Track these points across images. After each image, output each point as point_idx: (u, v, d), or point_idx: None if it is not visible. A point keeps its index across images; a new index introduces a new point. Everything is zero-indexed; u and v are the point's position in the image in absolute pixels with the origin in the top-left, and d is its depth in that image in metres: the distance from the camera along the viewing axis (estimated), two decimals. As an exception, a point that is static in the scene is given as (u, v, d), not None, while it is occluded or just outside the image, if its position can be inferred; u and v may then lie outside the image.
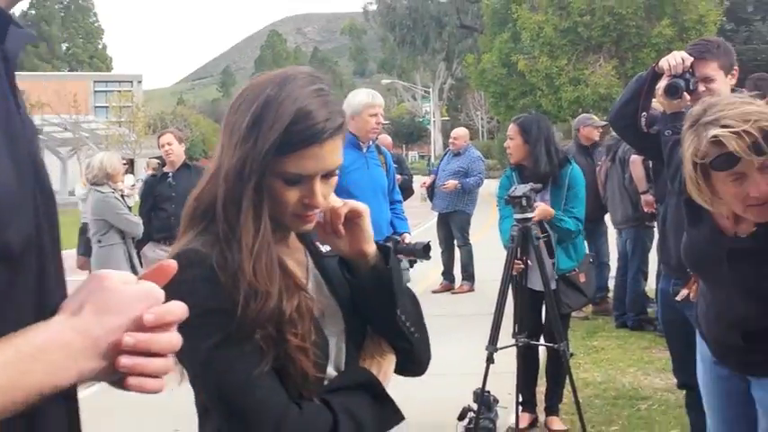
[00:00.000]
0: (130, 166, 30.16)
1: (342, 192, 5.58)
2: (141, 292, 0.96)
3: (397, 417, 1.61)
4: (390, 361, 1.64)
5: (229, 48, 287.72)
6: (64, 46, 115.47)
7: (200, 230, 1.51)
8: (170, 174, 7.06)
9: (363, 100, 5.05)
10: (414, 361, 1.69)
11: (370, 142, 5.17)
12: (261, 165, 1.43)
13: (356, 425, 1.50)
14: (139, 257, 7.03)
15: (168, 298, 1.32)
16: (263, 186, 1.45)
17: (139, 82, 75.90)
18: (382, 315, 1.59)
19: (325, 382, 1.54)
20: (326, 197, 1.52)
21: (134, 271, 6.46)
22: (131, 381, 0.94)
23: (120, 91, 59.56)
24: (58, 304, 0.96)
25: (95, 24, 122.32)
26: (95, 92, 70.53)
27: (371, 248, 1.57)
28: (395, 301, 1.57)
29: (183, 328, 1.40)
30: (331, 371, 1.57)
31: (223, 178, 1.48)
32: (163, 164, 7.47)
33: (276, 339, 1.44)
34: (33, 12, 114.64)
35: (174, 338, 0.97)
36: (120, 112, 51.49)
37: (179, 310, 0.98)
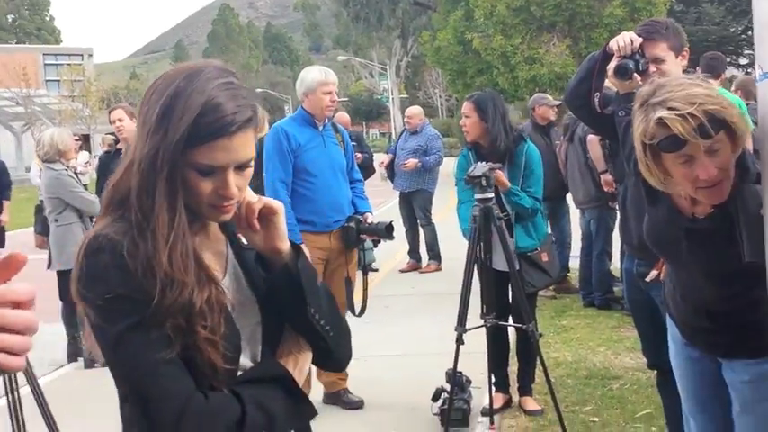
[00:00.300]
0: (86, 141, 29.67)
1: (300, 171, 5.56)
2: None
3: (310, 411, 1.66)
4: (306, 357, 1.68)
5: (182, 20, 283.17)
6: (9, 17, 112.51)
7: (115, 217, 1.53)
8: (123, 150, 6.94)
9: (317, 77, 5.02)
10: (331, 358, 1.74)
11: (326, 120, 5.15)
12: (171, 156, 1.46)
13: (266, 416, 1.54)
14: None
15: (79, 281, 1.44)
16: (176, 177, 1.48)
17: (90, 55, 74.21)
18: (294, 312, 1.63)
19: (239, 374, 1.58)
20: (241, 188, 1.55)
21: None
22: None
23: (70, 64, 58.22)
24: None
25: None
26: (45, 65, 68.89)
27: (285, 246, 1.61)
28: (305, 300, 1.60)
29: (95, 311, 1.45)
30: (246, 362, 1.61)
31: (136, 168, 1.50)
32: (117, 140, 7.33)
33: (185, 330, 1.47)
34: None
35: (30, 318, 1.01)
36: (72, 87, 50.39)
37: (24, 290, 1.02)
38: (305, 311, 1.61)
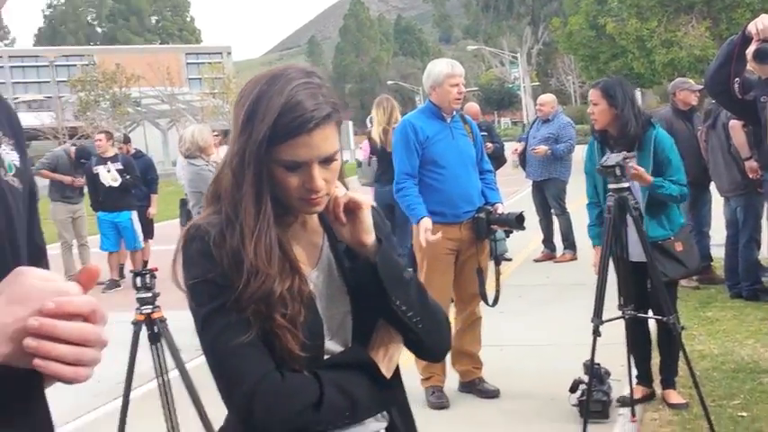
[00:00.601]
0: (225, 137, 30.73)
1: (428, 163, 5.60)
2: (52, 288, 1.03)
3: (393, 399, 1.74)
4: (397, 346, 1.74)
5: (315, 16, 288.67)
6: (153, 19, 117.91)
7: (213, 210, 1.67)
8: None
9: (443, 70, 5.03)
10: (423, 348, 1.79)
11: (454, 112, 5.14)
12: (256, 155, 1.57)
13: (348, 400, 1.61)
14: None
15: (176, 266, 1.53)
16: (262, 174, 1.58)
17: (229, 53, 77.02)
18: (380, 303, 1.68)
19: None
20: (329, 181, 1.62)
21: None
22: (37, 361, 1.00)
23: (210, 63, 60.56)
24: None
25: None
26: (187, 64, 71.93)
27: (369, 240, 1.66)
28: (387, 293, 1.65)
29: (187, 293, 1.59)
30: (337, 348, 1.69)
31: (228, 166, 1.64)
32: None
33: (264, 316, 1.56)
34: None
35: (85, 329, 1.02)
36: (212, 84, 52.37)
37: (81, 302, 1.03)
38: (388, 303, 1.67)
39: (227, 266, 1.57)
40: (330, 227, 1.75)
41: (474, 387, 5.29)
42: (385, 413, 1.75)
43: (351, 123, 41.09)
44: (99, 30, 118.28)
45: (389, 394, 1.71)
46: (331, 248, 1.75)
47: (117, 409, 4.27)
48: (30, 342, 0.98)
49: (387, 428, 1.77)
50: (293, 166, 1.58)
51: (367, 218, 1.67)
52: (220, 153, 14.54)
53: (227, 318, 1.56)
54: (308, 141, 1.56)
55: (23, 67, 70.30)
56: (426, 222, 4.92)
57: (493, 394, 5.22)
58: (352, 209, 1.66)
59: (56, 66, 58.81)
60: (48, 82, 64.33)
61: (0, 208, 1.12)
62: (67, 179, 10.31)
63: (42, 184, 10.37)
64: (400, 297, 1.67)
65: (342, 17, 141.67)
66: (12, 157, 1.21)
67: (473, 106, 10.33)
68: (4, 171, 1.17)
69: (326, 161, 1.60)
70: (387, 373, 1.69)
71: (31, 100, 58.07)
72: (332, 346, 1.69)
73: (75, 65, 63.84)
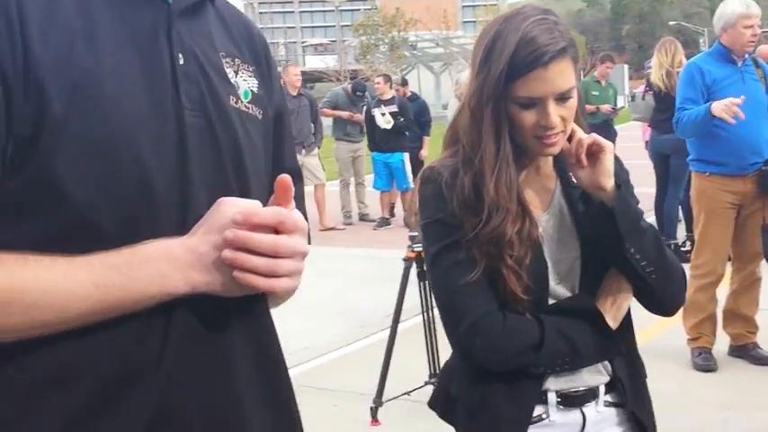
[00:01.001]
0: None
1: None
2: (242, 212, 1.03)
3: (617, 349, 1.71)
4: (626, 296, 1.70)
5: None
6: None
7: (449, 154, 1.73)
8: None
9: (737, 10, 4.67)
10: (654, 301, 1.74)
11: (746, 55, 4.77)
12: (494, 91, 1.59)
13: (568, 346, 1.63)
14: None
15: (413, 206, 1.64)
16: (500, 111, 1.60)
17: (505, -5, 76.40)
18: (613, 250, 1.65)
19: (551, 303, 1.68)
20: (565, 119, 1.61)
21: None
22: (236, 273, 1.01)
23: (486, 5, 60.55)
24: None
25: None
26: (463, 6, 72.49)
27: (609, 184, 1.63)
28: (622, 239, 1.62)
29: (421, 232, 1.67)
30: (564, 292, 1.69)
31: (466, 107, 1.67)
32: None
33: (493, 256, 1.60)
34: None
35: (277, 240, 1.03)
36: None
37: (267, 214, 1.04)
38: (623, 250, 1.64)
39: (457, 207, 1.63)
40: (564, 172, 1.74)
41: (746, 352, 4.96)
42: (609, 369, 1.73)
43: (626, 66, 39.25)
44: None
45: (613, 345, 1.69)
46: (563, 194, 1.74)
47: (382, 341, 4.52)
48: (227, 254, 1.01)
49: (607, 384, 1.74)
50: (528, 103, 1.59)
51: (609, 161, 1.65)
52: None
53: (455, 256, 1.62)
54: (543, 75, 1.56)
55: (312, 12, 74.51)
56: (717, 103, 4.48)
57: (766, 361, 4.87)
58: (595, 152, 1.64)
59: (341, 10, 61.75)
60: (333, 26, 67.86)
61: (229, 139, 1.12)
62: (346, 114, 10.92)
63: (327, 123, 11.06)
64: (635, 245, 1.64)
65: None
66: (250, 84, 1.20)
67: (765, 49, 9.47)
68: (238, 99, 1.16)
69: (562, 98, 1.59)
70: (613, 323, 1.67)
71: (317, 44, 61.54)
72: (559, 290, 1.70)
73: (358, 9, 66.63)
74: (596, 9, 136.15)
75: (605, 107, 10.33)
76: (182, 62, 1.08)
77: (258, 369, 1.15)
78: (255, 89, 1.20)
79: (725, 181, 4.70)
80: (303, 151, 10.11)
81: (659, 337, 4.90)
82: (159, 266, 1.01)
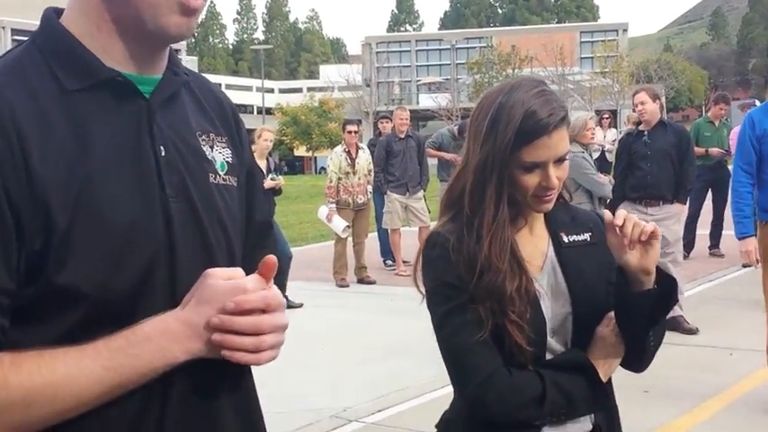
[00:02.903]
0: (613, 117, 30.33)
1: (762, 161, 5.14)
2: (232, 286, 1.16)
3: (607, 402, 1.85)
4: (617, 353, 1.82)
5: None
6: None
7: (449, 217, 1.86)
8: (645, 132, 6.99)
9: None
10: (639, 360, 1.87)
11: None
12: (501, 158, 1.75)
13: (565, 399, 1.75)
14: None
15: (414, 271, 1.84)
16: (504, 177, 1.76)
17: (625, 30, 75.00)
18: (634, 330, 1.79)
19: (548, 357, 1.80)
20: (560, 179, 1.78)
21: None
22: (225, 353, 1.16)
23: (604, 41, 59.75)
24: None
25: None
26: (581, 42, 71.61)
27: (653, 269, 1.74)
28: (649, 325, 1.78)
29: (427, 294, 1.82)
30: (557, 347, 1.82)
31: (471, 172, 1.81)
32: (640, 122, 7.37)
33: (497, 312, 1.72)
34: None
35: (260, 321, 1.16)
36: (604, 63, 51.72)
37: (255, 299, 1.16)
38: (646, 332, 1.79)
39: (463, 270, 1.75)
40: (555, 233, 1.88)
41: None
42: (592, 417, 1.85)
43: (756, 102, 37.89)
44: (499, 11, 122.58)
45: (604, 397, 1.82)
46: (555, 253, 1.87)
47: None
48: (216, 337, 1.15)
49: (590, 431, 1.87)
50: (532, 167, 1.76)
51: (658, 248, 1.75)
52: (608, 136, 14.43)
53: (462, 317, 1.74)
54: (547, 143, 1.74)
55: (428, 50, 75.37)
56: (747, 244, 4.65)
57: None
58: (650, 239, 1.73)
59: (456, 48, 62.21)
60: (448, 64, 68.37)
61: (213, 216, 1.26)
62: (449, 156, 10.88)
63: (432, 163, 11.15)
64: (656, 332, 1.80)
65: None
66: (224, 155, 1.33)
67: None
68: (216, 174, 1.30)
69: (560, 160, 1.77)
70: (604, 377, 1.80)
71: (431, 82, 62.11)
72: (553, 343, 1.82)
73: (474, 47, 66.93)
74: (722, 42, 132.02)
75: (714, 150, 10.08)
76: (163, 153, 1.21)
77: (243, 426, 1.32)
78: (230, 159, 1.34)
79: None
80: (408, 193, 10.24)
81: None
82: (160, 342, 1.15)
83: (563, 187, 1.87)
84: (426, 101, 54.74)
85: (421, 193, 10.55)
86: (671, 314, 6.73)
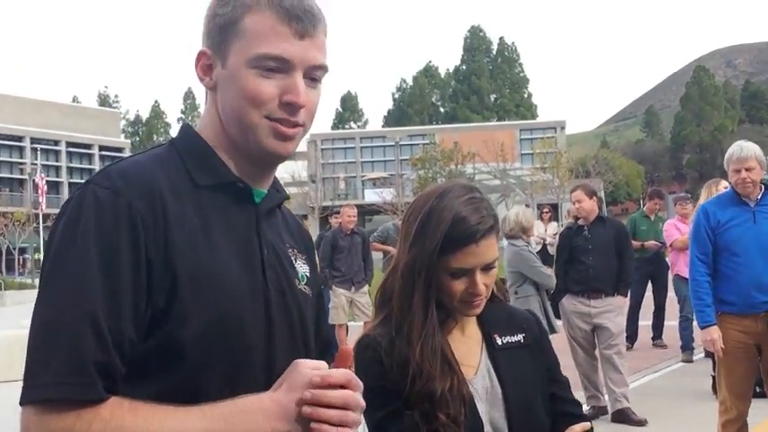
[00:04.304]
0: (554, 211, 30.96)
1: (723, 250, 5.21)
2: (320, 375, 1.28)
3: None
4: None
5: (653, 86, 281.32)
6: (492, 97, 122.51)
7: (381, 319, 1.86)
8: (585, 227, 7.13)
9: (729, 154, 4.84)
10: None
11: (758, 195, 4.77)
12: (428, 263, 1.75)
13: None
14: (557, 310, 7.16)
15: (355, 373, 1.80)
16: (431, 281, 1.76)
17: (563, 128, 77.34)
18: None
19: None
20: (488, 286, 1.79)
21: (548, 322, 6.60)
22: (313, 425, 1.26)
23: (543, 138, 61.42)
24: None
25: (521, 75, 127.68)
26: (521, 139, 73.50)
27: None
28: None
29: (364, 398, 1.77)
30: None
31: (399, 274, 1.82)
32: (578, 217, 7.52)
33: (430, 416, 1.70)
34: (464, 67, 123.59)
35: (347, 394, 1.28)
36: (544, 159, 53.06)
37: (339, 374, 1.29)
38: None
39: (396, 373, 1.73)
40: (489, 334, 1.87)
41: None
42: None
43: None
44: (441, 110, 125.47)
45: None
46: (488, 356, 1.86)
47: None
48: (307, 409, 1.25)
49: None
50: (459, 273, 1.75)
51: None
52: (549, 229, 14.68)
53: (397, 425, 1.71)
54: (474, 251, 1.74)
55: (372, 147, 76.53)
56: (711, 332, 4.68)
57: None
58: None
59: (400, 145, 63.32)
60: (392, 160, 69.42)
61: (296, 313, 1.44)
62: (394, 251, 10.94)
63: (377, 257, 11.19)
64: None
65: (683, 85, 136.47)
66: (304, 269, 1.51)
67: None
68: (299, 281, 1.48)
69: (488, 267, 1.77)
70: None
71: (376, 178, 62.89)
72: None
73: (417, 144, 68.17)
74: (656, 139, 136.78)
75: (651, 243, 10.33)
76: (266, 253, 1.41)
77: None
78: (308, 273, 1.52)
79: (734, 320, 4.70)
80: (353, 288, 10.22)
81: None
82: (255, 417, 1.27)
83: (496, 287, 1.87)
84: (371, 196, 55.20)
85: (366, 288, 10.55)
86: (618, 406, 6.78)
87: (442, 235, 1.73)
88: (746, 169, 4.69)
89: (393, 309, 1.81)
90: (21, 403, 1.21)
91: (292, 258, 1.49)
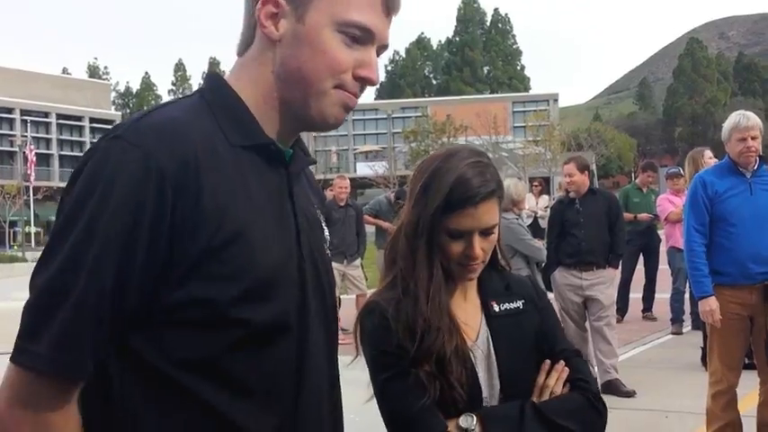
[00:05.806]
0: (546, 184, 30.98)
1: (719, 220, 5.19)
2: None
3: None
4: None
5: (646, 59, 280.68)
6: (485, 69, 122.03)
7: (387, 283, 1.88)
8: (577, 200, 7.13)
9: (729, 123, 4.83)
10: None
11: (755, 166, 4.78)
12: (430, 222, 1.77)
13: None
14: (548, 282, 7.18)
15: (355, 339, 1.84)
16: (433, 241, 1.79)
17: (555, 100, 77.29)
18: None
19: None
20: (485, 251, 1.81)
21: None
22: None
23: (536, 110, 61.35)
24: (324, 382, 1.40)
25: (514, 47, 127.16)
26: (514, 112, 73.37)
27: None
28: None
29: (367, 363, 1.77)
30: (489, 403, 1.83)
31: (403, 234, 1.84)
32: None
33: (436, 376, 1.73)
34: (458, 38, 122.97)
35: None
36: (536, 132, 53.00)
37: None
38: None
39: (403, 336, 1.75)
40: (486, 302, 1.89)
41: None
42: None
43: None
44: (434, 81, 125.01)
45: None
46: (487, 324, 1.87)
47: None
48: None
49: None
50: (457, 235, 1.78)
51: None
52: (540, 202, 14.69)
53: (403, 383, 1.73)
54: (473, 213, 1.76)
55: (364, 120, 76.26)
56: (710, 303, 4.65)
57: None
58: None
59: (393, 118, 63.13)
60: (384, 133, 69.22)
61: (326, 279, 1.45)
62: (386, 225, 10.93)
63: (369, 230, 11.17)
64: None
65: (676, 57, 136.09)
66: (326, 232, 1.52)
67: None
68: (327, 246, 1.49)
69: (486, 232, 1.79)
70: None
71: (368, 151, 62.74)
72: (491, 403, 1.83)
73: (410, 117, 68.00)
74: (648, 112, 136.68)
75: (643, 216, 10.35)
76: (299, 218, 1.38)
77: None
78: (328, 235, 1.52)
79: (729, 291, 4.68)
80: (345, 261, 10.23)
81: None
82: None
83: (500, 254, 1.89)
84: (364, 169, 55.19)
85: (358, 261, 10.55)
86: (607, 377, 6.84)
87: (443, 195, 1.76)
88: (752, 138, 4.69)
89: (399, 269, 1.83)
90: (10, 359, 1.21)
91: (321, 221, 1.49)
